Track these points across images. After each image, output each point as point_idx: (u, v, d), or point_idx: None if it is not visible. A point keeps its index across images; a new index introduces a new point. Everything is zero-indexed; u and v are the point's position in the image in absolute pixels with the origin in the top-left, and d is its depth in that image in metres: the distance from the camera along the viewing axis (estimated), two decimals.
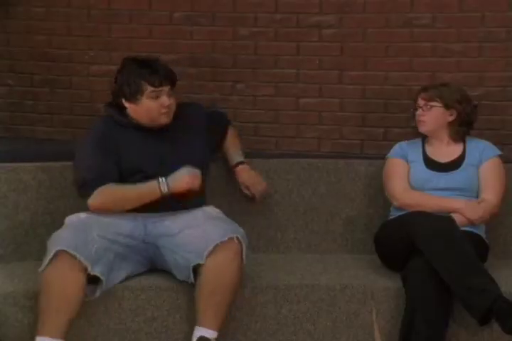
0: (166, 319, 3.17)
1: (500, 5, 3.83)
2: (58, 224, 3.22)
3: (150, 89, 3.16)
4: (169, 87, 3.20)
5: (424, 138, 3.61)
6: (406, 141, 3.65)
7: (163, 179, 3.10)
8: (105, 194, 3.13)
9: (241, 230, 3.11)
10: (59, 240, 2.99)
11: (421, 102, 3.51)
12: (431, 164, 3.54)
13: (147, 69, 3.17)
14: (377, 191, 3.66)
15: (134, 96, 3.17)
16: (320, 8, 3.98)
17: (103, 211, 3.14)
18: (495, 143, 3.61)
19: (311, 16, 3.99)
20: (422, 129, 3.54)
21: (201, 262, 3.01)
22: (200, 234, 3.07)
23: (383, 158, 3.62)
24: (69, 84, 4.29)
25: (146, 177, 3.16)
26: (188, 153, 3.26)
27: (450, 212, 3.39)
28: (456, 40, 3.88)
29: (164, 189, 3.09)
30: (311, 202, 3.73)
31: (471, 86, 3.80)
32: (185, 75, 4.10)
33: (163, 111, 3.19)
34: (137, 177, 3.18)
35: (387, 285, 3.28)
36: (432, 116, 3.50)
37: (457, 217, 3.36)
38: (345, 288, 3.27)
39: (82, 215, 3.17)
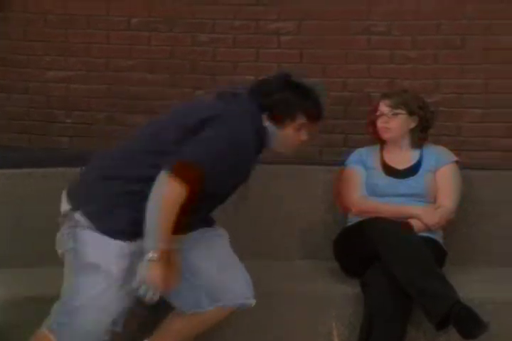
0: None
1: (454, 13, 3.88)
2: (21, 229, 3.16)
3: (302, 121, 2.89)
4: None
5: (382, 145, 3.63)
6: (364, 148, 3.66)
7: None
8: (176, 193, 2.64)
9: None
10: (99, 305, 2.67)
11: (385, 109, 3.51)
12: (389, 170, 3.56)
13: (311, 103, 2.90)
14: (337, 198, 3.65)
15: (281, 122, 2.87)
16: (278, 15, 3.99)
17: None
18: (451, 150, 3.64)
19: (270, 23, 4.00)
20: (386, 136, 3.55)
21: (210, 309, 2.93)
22: (220, 276, 2.91)
23: (343, 164, 3.63)
24: (26, 89, 4.24)
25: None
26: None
27: (408, 218, 3.41)
28: (412, 48, 3.91)
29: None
30: (269, 208, 3.73)
31: (427, 92, 3.84)
32: (144, 81, 4.08)
33: (296, 144, 2.95)
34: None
35: (346, 292, 3.28)
36: (398, 123, 3.52)
37: (415, 223, 3.39)
38: (304, 294, 3.27)
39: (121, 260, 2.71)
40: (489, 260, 3.64)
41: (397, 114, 3.50)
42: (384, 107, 3.52)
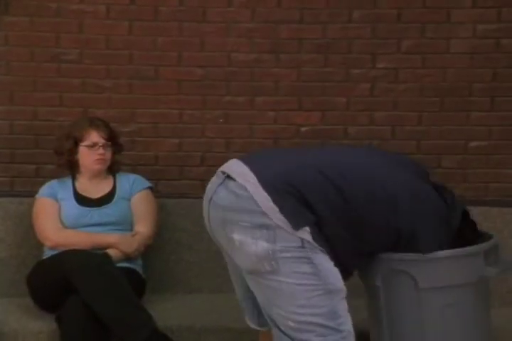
0: None
1: (145, 44, 3.88)
2: None
3: None
4: None
5: (74, 176, 3.57)
6: (56, 180, 3.58)
7: None
8: None
9: None
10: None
11: (100, 141, 3.47)
12: (82, 200, 3.50)
13: None
14: (30, 230, 3.53)
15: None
16: None
17: None
18: (149, 179, 3.65)
19: None
20: (102, 168, 3.52)
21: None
22: None
23: (35, 196, 3.53)
24: None
25: None
26: None
27: (106, 248, 3.36)
28: (105, 77, 3.88)
29: None
30: None
31: (123, 122, 3.82)
32: None
33: None
34: None
35: (41, 329, 3.17)
36: (110, 154, 3.52)
37: (113, 252, 3.35)
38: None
39: None
40: (187, 287, 3.66)
41: (109, 145, 3.51)
42: (99, 139, 3.48)
